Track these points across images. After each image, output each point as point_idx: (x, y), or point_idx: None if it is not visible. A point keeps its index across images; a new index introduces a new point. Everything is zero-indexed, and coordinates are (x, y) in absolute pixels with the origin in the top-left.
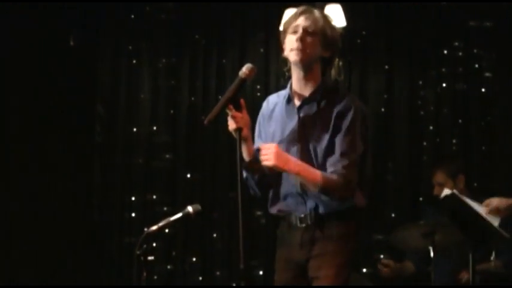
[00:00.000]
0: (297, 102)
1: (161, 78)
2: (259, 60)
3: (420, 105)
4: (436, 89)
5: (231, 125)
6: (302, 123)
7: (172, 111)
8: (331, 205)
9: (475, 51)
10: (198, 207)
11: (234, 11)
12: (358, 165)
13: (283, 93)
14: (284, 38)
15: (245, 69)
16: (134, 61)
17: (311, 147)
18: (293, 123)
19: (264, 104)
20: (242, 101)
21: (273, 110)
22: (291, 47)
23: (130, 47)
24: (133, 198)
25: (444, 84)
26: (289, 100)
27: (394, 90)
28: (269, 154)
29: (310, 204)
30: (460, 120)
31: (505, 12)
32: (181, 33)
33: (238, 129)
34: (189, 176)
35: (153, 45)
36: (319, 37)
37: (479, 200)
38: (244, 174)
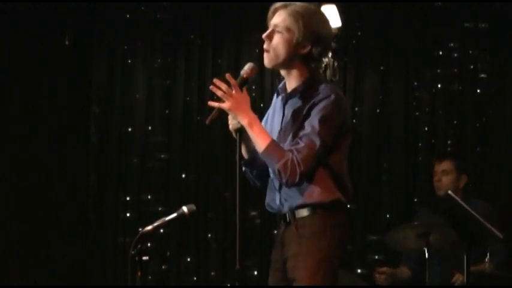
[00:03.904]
0: (285, 98)
1: (156, 78)
2: (254, 61)
3: (415, 106)
4: (431, 90)
5: (232, 125)
6: (286, 118)
7: (167, 111)
8: (304, 204)
9: (470, 52)
10: (193, 207)
11: (229, 11)
12: (314, 155)
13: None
14: None
15: (247, 68)
16: (129, 61)
17: (288, 141)
18: (279, 118)
19: (274, 96)
20: None
21: (275, 103)
22: (264, 47)
23: (125, 47)
24: (128, 198)
25: (439, 85)
26: (278, 95)
27: (389, 91)
28: (227, 97)
29: (290, 202)
30: (455, 121)
31: (500, 14)
32: (176, 33)
33: (239, 130)
34: (184, 176)
35: (149, 45)
36: (288, 35)
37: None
38: (243, 168)
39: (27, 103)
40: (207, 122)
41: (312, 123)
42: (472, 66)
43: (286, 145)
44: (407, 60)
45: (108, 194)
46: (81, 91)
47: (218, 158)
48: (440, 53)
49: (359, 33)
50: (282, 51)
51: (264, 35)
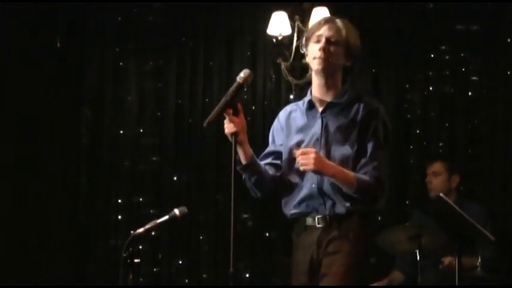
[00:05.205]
0: (320, 108)
1: (148, 81)
2: (246, 63)
3: (407, 108)
4: (423, 93)
5: (228, 129)
6: (326, 127)
7: (159, 114)
8: (349, 206)
9: (461, 54)
10: (185, 209)
11: (221, 14)
12: (388, 166)
13: (300, 102)
14: (307, 45)
15: (243, 74)
16: (121, 63)
17: (335, 151)
18: (316, 128)
19: (281, 113)
20: (239, 105)
21: (288, 118)
22: (313, 55)
23: (117, 49)
24: (119, 201)
25: (431, 88)
26: (311, 106)
27: (380, 93)
28: (309, 159)
29: (329, 205)
30: (446, 124)
31: (491, 16)
32: (168, 36)
33: (234, 134)
34: (175, 178)
35: (140, 48)
36: (342, 47)
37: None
38: (243, 176)
39: (18, 105)
40: (205, 124)
41: (376, 138)
42: (463, 69)
43: (338, 154)
44: (399, 62)
45: (100, 197)
46: (72, 93)
47: (210, 161)
48: (432, 55)
49: None
50: (336, 60)
51: (321, 47)
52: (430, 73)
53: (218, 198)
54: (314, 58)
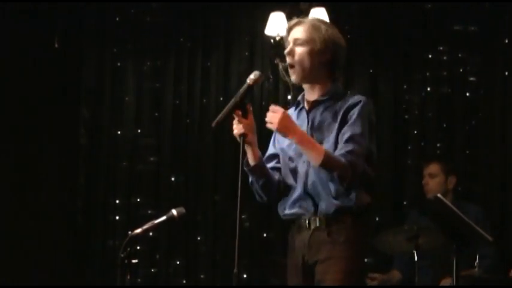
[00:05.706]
0: (307, 107)
1: (146, 81)
2: (244, 64)
3: (405, 109)
4: (421, 93)
5: (236, 130)
6: (312, 126)
7: (157, 114)
8: (341, 208)
9: (459, 55)
10: (183, 210)
11: (219, 14)
12: (363, 156)
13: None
14: None
15: (253, 76)
16: (119, 63)
17: (329, 145)
18: (304, 127)
19: (291, 109)
20: (249, 106)
21: (293, 114)
22: (288, 63)
23: (115, 50)
24: (117, 201)
25: (429, 88)
26: (301, 107)
27: (378, 93)
28: (274, 118)
29: (321, 206)
30: (444, 124)
31: (489, 17)
32: (166, 36)
33: (243, 135)
34: (173, 179)
35: (138, 48)
36: (310, 44)
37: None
38: (250, 178)
39: (16, 106)
40: (213, 124)
41: (354, 126)
42: (461, 70)
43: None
44: (397, 63)
45: (98, 197)
46: (70, 94)
47: (208, 161)
48: (430, 56)
49: (348, 36)
50: (306, 62)
51: (286, 51)
52: (428, 74)
53: (216, 198)
54: (290, 70)
